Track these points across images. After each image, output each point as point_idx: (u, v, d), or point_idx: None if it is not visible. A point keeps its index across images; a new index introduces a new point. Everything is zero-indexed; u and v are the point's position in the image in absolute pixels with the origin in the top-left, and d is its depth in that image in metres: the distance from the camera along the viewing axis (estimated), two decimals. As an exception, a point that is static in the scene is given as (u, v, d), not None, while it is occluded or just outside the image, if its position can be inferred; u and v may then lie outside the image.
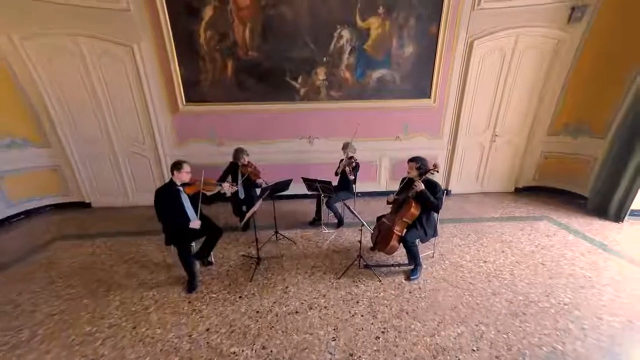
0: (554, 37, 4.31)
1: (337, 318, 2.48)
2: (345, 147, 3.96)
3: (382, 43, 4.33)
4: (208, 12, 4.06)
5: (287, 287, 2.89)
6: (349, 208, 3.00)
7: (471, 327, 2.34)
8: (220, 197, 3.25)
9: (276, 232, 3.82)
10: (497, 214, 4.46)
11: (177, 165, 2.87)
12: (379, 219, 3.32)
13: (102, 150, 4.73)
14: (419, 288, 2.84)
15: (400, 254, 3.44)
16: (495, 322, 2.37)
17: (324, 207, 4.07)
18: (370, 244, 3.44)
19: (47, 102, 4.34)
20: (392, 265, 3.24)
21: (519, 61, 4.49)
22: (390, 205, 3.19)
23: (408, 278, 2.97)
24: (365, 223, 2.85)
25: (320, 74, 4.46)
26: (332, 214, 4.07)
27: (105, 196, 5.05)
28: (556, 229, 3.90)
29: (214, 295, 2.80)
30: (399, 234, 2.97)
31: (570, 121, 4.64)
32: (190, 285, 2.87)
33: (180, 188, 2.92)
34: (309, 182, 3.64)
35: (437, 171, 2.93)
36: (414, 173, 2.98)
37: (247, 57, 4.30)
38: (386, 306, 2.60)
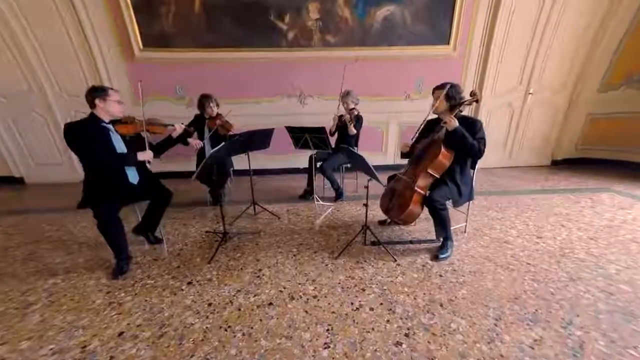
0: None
1: (333, 313, 1.57)
2: (345, 95, 3.06)
3: (389, -30, 3.45)
4: None
5: (260, 270, 1.98)
6: (349, 154, 2.09)
7: (555, 329, 1.42)
8: (172, 143, 2.29)
9: (254, 204, 2.90)
10: (538, 186, 3.55)
11: (98, 91, 1.92)
12: (390, 178, 2.42)
13: (32, 108, 3.79)
14: (454, 270, 1.93)
15: (420, 229, 2.53)
16: (596, 323, 1.46)
17: (318, 181, 3.16)
18: (378, 218, 2.53)
19: None
20: (410, 242, 2.33)
21: (563, 8, 3.60)
22: (407, 160, 2.30)
23: (435, 257, 2.06)
24: (377, 176, 1.93)
25: (313, 11, 3.57)
26: (329, 183, 3.16)
27: (43, 169, 4.11)
28: (631, 201, 2.98)
29: (149, 282, 1.88)
30: (422, 192, 2.06)
31: (636, 71, 3.69)
32: (116, 268, 1.95)
33: (109, 126, 1.99)
34: (296, 134, 2.72)
35: (477, 100, 2.03)
36: (441, 106, 2.08)
37: (220, -13, 3.41)
38: (408, 295, 1.69)
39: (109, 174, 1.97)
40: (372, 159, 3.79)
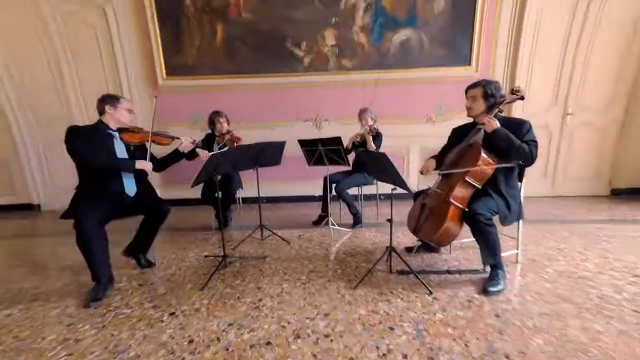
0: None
1: (351, 359, 1.14)
2: (363, 111, 2.87)
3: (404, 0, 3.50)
4: (195, -32, 3.47)
5: (260, 300, 1.59)
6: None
7: None
8: (177, 157, 2.14)
9: (261, 227, 2.59)
10: (603, 216, 3.00)
11: (110, 98, 1.87)
12: (417, 195, 2.07)
13: (61, 136, 3.90)
14: (514, 309, 1.45)
15: (458, 257, 2.08)
16: None
17: (334, 207, 2.84)
18: (405, 244, 2.12)
19: (1, 93, 3.70)
20: (447, 271, 1.88)
21: (602, 7, 3.39)
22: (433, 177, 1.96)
23: (485, 290, 1.59)
24: (404, 181, 1.61)
25: (329, 38, 3.61)
26: (346, 207, 2.83)
27: (61, 197, 4.07)
28: None
29: (125, 311, 1.54)
30: (460, 206, 1.68)
31: None
32: (91, 294, 1.64)
33: (115, 133, 1.88)
34: (309, 147, 2.49)
35: (522, 97, 1.73)
36: (478, 107, 1.80)
37: (240, 19, 3.57)
38: (454, 340, 1.23)
39: (105, 181, 1.80)
40: (389, 187, 3.38)
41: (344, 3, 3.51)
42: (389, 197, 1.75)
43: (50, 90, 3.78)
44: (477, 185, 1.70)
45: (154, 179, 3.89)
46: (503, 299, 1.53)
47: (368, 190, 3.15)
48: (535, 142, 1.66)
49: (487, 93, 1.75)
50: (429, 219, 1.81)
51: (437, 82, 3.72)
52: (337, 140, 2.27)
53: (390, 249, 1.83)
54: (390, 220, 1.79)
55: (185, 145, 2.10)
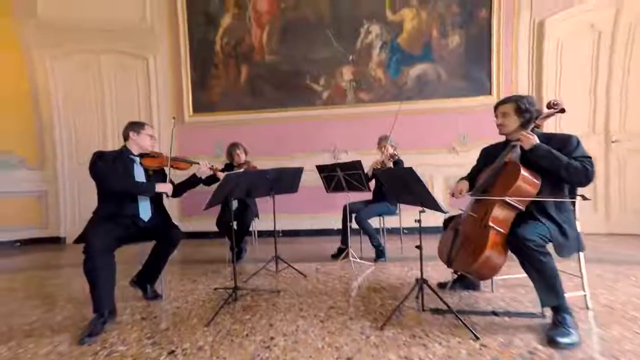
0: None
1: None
2: (383, 139, 2.81)
3: (419, 35, 3.64)
4: (226, 20, 3.86)
5: (272, 339, 1.37)
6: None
7: None
8: (194, 183, 2.12)
9: (276, 259, 2.41)
10: None
11: (135, 125, 1.94)
12: (447, 222, 1.86)
13: None
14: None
15: (504, 297, 1.77)
16: None
17: (355, 240, 2.65)
18: (437, 279, 1.86)
19: (56, 121, 4.06)
20: (494, 313, 1.58)
21: (632, 38, 3.28)
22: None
23: (553, 340, 1.26)
24: (436, 201, 1.45)
25: (346, 74, 3.75)
26: (368, 240, 2.62)
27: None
28: None
29: (120, 348, 1.37)
30: (502, 230, 1.46)
31: None
32: (89, 328, 1.49)
33: (136, 158, 1.91)
34: (327, 173, 2.39)
35: (562, 109, 1.58)
36: (510, 124, 1.65)
37: (264, 61, 3.83)
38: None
39: (121, 203, 1.78)
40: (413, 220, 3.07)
41: (360, 42, 3.70)
42: (415, 230, 1.55)
43: (93, 129, 4.08)
44: (519, 207, 1.48)
45: (171, 210, 3.93)
46: (583, 357, 1.20)
47: (390, 222, 2.95)
48: (589, 157, 1.45)
49: (520, 108, 1.61)
50: (464, 247, 1.57)
51: (457, 112, 3.66)
52: (357, 164, 2.18)
53: (421, 282, 1.58)
54: (419, 247, 1.58)
55: (203, 170, 2.08)
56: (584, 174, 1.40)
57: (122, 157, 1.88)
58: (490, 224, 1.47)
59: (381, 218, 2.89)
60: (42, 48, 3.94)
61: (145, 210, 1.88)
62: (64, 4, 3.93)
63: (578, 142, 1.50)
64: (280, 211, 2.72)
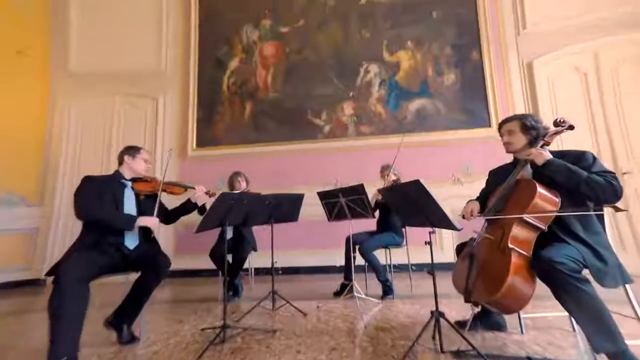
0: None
1: None
2: (385, 168, 2.76)
3: (415, 74, 3.83)
4: (234, 64, 4.12)
5: (261, 387, 1.14)
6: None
7: None
8: (189, 210, 2.01)
9: (273, 294, 2.17)
10: None
11: (130, 149, 1.92)
12: (459, 248, 1.70)
13: None
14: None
15: (539, 340, 1.53)
16: None
17: (360, 277, 2.45)
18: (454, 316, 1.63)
19: (61, 162, 4.10)
20: (529, 359, 1.33)
21: (617, 82, 3.40)
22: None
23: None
24: (444, 212, 1.32)
25: (347, 109, 3.86)
26: (373, 271, 2.40)
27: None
28: None
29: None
30: (525, 252, 1.30)
31: None
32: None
33: (128, 182, 1.84)
34: (329, 199, 2.28)
35: (571, 126, 1.51)
36: (517, 142, 1.59)
37: (267, 98, 3.99)
38: None
39: (104, 230, 1.65)
40: (423, 255, 2.82)
41: (360, 80, 3.88)
42: (425, 267, 1.40)
43: (96, 166, 4.09)
44: (540, 225, 1.34)
45: (164, 246, 3.72)
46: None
47: (397, 258, 2.75)
48: (611, 172, 1.34)
49: (526, 125, 1.57)
50: (483, 274, 1.39)
51: (459, 144, 3.66)
52: (359, 188, 2.08)
53: (437, 315, 1.37)
54: (431, 273, 1.40)
55: (199, 195, 1.98)
56: (610, 188, 1.27)
57: (113, 181, 1.81)
58: (510, 245, 1.32)
59: (387, 252, 2.70)
60: (67, 96, 4.17)
61: (131, 238, 1.74)
62: (93, 57, 4.27)
63: (594, 158, 1.41)
64: (278, 247, 2.54)
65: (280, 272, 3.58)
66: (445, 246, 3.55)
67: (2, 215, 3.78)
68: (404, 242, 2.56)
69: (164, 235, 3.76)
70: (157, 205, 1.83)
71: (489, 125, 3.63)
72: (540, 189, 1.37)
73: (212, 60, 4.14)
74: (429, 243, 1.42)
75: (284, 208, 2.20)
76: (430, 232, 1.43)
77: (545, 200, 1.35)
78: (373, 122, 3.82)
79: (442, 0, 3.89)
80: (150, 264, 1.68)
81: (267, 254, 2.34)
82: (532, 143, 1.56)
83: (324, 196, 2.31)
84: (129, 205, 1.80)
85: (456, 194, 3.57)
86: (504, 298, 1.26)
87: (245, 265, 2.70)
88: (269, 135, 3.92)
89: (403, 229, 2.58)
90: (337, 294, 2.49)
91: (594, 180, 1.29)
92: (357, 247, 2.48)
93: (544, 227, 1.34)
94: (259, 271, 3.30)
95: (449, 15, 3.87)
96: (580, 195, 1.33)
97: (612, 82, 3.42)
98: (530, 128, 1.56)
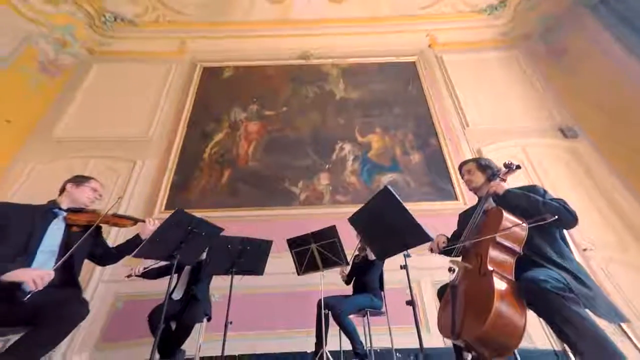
0: (566, 148, 4.15)
1: None
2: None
3: (385, 152, 4.26)
4: (219, 136, 4.44)
5: None
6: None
7: None
8: (133, 246, 1.71)
9: (223, 357, 1.69)
10: None
11: (78, 177, 1.76)
12: (441, 293, 1.56)
13: None
14: None
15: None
16: None
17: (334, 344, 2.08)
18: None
19: None
20: None
21: (546, 170, 3.99)
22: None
23: None
24: (417, 222, 1.25)
25: (323, 179, 4.04)
26: (349, 341, 2.01)
27: None
28: None
29: None
30: (506, 275, 1.21)
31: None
32: None
33: (63, 212, 1.61)
34: (298, 247, 2.09)
35: (518, 165, 1.68)
36: (477, 179, 1.73)
37: (246, 166, 4.15)
38: None
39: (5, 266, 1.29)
40: (406, 339, 2.48)
41: (335, 155, 4.23)
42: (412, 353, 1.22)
43: None
44: (514, 248, 1.30)
45: (91, 334, 2.98)
46: None
47: (379, 340, 2.36)
48: (562, 199, 1.43)
49: (481, 164, 1.74)
50: (468, 306, 1.23)
51: (433, 215, 3.76)
52: (331, 230, 1.97)
53: (421, 354, 1.10)
54: (411, 303, 1.21)
55: (149, 230, 1.67)
56: (566, 211, 1.34)
57: (40, 210, 1.54)
58: (490, 267, 1.23)
59: (367, 331, 2.31)
60: (34, 157, 4.08)
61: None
62: (82, 124, 4.47)
63: (544, 190, 1.53)
64: (236, 330, 2.11)
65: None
66: (432, 329, 3.13)
67: None
68: (384, 307, 2.26)
69: (95, 308, 3.08)
70: (83, 238, 1.50)
71: (456, 199, 3.87)
72: (506, 214, 1.39)
73: (199, 133, 4.45)
74: (405, 267, 1.28)
75: (249, 255, 1.99)
76: (405, 256, 1.31)
77: (512, 222, 1.35)
78: (348, 191, 3.95)
79: (401, 100, 4.76)
80: (53, 313, 1.25)
81: (218, 337, 1.88)
82: (490, 179, 1.67)
83: (293, 243, 2.14)
84: (51, 239, 1.49)
85: (437, 265, 3.41)
86: (494, 328, 1.09)
87: (190, 354, 2.16)
88: (244, 200, 3.87)
89: (382, 292, 2.33)
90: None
91: (551, 203, 1.37)
92: (329, 312, 2.15)
93: (518, 250, 1.30)
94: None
95: (408, 112, 4.66)
96: (540, 214, 1.35)
97: (542, 173, 3.96)
98: (485, 167, 1.71)
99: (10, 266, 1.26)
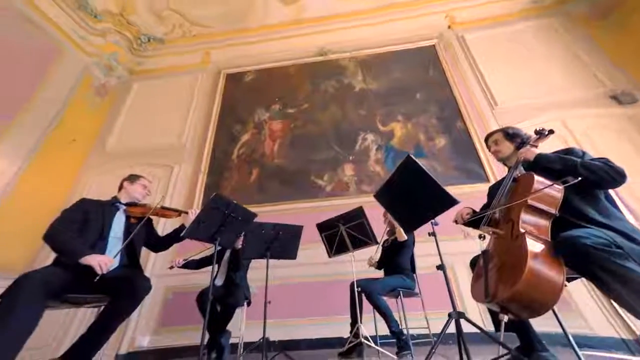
0: (621, 116, 3.79)
1: None
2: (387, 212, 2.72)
3: (409, 139, 4.22)
4: (245, 137, 4.66)
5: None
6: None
7: None
8: (179, 234, 1.94)
9: (264, 341, 1.81)
10: None
11: (132, 176, 2.04)
12: (473, 263, 1.55)
13: None
14: None
15: None
16: None
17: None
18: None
19: None
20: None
21: (595, 142, 3.68)
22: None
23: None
24: (442, 187, 1.27)
25: (348, 170, 4.09)
26: (385, 323, 2.04)
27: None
28: None
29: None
30: (541, 235, 1.18)
31: None
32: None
33: (122, 206, 1.88)
34: (328, 231, 2.17)
35: (551, 130, 1.60)
36: (505, 150, 1.69)
37: (273, 163, 4.31)
38: None
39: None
40: (440, 321, 2.45)
41: (358, 146, 4.26)
42: (450, 339, 1.20)
43: None
44: (549, 210, 1.26)
45: (148, 319, 3.32)
46: None
47: (414, 321, 2.35)
48: (605, 158, 1.34)
49: (508, 133, 1.69)
50: (501, 268, 1.23)
51: (463, 199, 3.65)
52: (358, 211, 2.02)
53: (457, 316, 1.12)
54: (441, 267, 1.23)
55: (191, 219, 1.92)
56: (612, 169, 1.26)
57: (106, 204, 1.84)
58: (522, 229, 1.21)
59: (402, 313, 2.31)
60: (93, 172, 4.59)
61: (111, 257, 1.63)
62: (128, 138, 4.94)
63: (583, 151, 1.46)
64: (273, 317, 2.25)
65: (278, 349, 3.02)
66: (466, 303, 3.04)
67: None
68: (417, 288, 2.26)
69: (149, 304, 3.41)
70: (139, 225, 1.77)
71: (487, 180, 3.72)
72: (538, 177, 1.35)
73: (227, 136, 4.71)
74: (433, 234, 1.30)
75: (282, 241, 2.10)
76: (432, 224, 1.33)
77: (544, 184, 1.31)
78: (373, 180, 3.96)
79: (422, 85, 4.66)
80: (125, 286, 1.51)
81: (259, 324, 2.03)
82: (519, 148, 1.63)
83: (323, 227, 2.22)
84: (117, 228, 1.79)
85: (470, 250, 3.32)
86: (528, 286, 1.08)
87: (234, 340, 2.33)
88: (273, 196, 4.04)
89: (414, 274, 2.33)
90: (344, 354, 2.04)
91: (591, 163, 1.30)
92: (363, 295, 2.20)
93: (553, 211, 1.26)
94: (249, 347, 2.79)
95: (430, 96, 4.56)
96: (585, 181, 1.28)
97: (588, 147, 3.65)
98: (513, 135, 1.66)
99: (88, 251, 1.50)
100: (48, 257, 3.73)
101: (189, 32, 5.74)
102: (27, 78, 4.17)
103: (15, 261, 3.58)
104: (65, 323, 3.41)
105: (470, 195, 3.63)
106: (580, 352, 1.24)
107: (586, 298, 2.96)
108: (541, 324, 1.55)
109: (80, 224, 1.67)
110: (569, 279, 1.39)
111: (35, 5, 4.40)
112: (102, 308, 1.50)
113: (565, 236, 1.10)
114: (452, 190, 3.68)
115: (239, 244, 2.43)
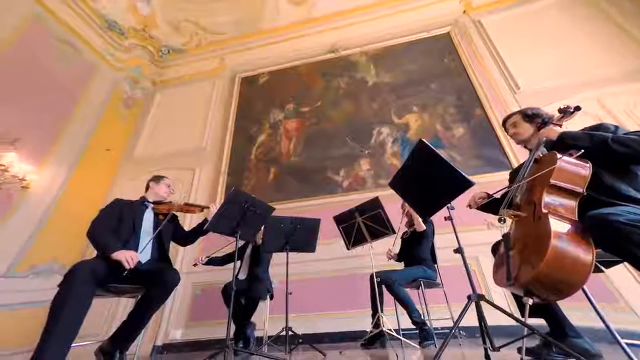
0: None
1: None
2: (404, 203, 2.70)
3: (425, 131, 4.13)
4: (262, 138, 4.77)
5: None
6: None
7: None
8: (202, 228, 2.05)
9: (287, 331, 1.86)
10: None
11: (156, 177, 2.17)
12: (495, 248, 1.51)
13: None
14: None
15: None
16: None
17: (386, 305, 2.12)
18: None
19: None
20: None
21: (634, 114, 3.46)
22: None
23: None
24: (458, 170, 1.25)
25: (364, 165, 4.07)
26: (406, 312, 2.03)
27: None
28: None
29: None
30: (566, 214, 1.14)
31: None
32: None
33: (150, 204, 2.01)
34: (345, 223, 2.18)
35: (578, 107, 1.51)
36: (524, 132, 1.63)
37: (290, 162, 4.38)
38: None
39: (122, 244, 1.71)
40: (471, 317, 2.40)
41: (374, 140, 4.22)
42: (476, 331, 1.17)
43: None
44: (575, 189, 1.20)
45: (179, 312, 3.50)
46: None
47: (437, 311, 2.32)
48: (637, 131, 1.26)
49: (527, 114, 1.62)
50: (525, 250, 1.18)
51: (482, 188, 3.52)
52: (374, 202, 2.02)
53: (476, 298, 1.10)
54: (459, 250, 1.21)
55: (214, 213, 2.04)
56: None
57: (136, 204, 2.00)
58: (544, 210, 1.17)
59: (424, 304, 2.28)
60: (124, 177, 4.91)
61: (143, 252, 1.76)
62: (153, 145, 5.22)
63: (616, 126, 1.37)
64: (294, 311, 2.30)
65: (300, 340, 3.08)
66: (491, 288, 2.93)
67: (43, 285, 3.89)
68: (438, 277, 2.22)
69: (179, 297, 3.60)
70: (165, 220, 1.89)
71: (511, 168, 3.57)
72: (560, 154, 1.29)
73: (245, 137, 4.84)
74: (449, 218, 1.28)
75: (300, 234, 2.14)
76: (449, 208, 1.31)
77: (570, 162, 1.26)
78: (390, 174, 3.89)
79: (437, 74, 4.55)
80: (157, 277, 1.63)
81: (282, 318, 2.09)
82: (541, 129, 1.56)
83: (340, 220, 2.24)
84: (147, 225, 1.94)
85: (493, 240, 3.22)
86: (553, 268, 1.04)
87: (260, 333, 2.41)
88: (291, 193, 4.10)
89: (435, 264, 2.29)
90: (366, 344, 2.05)
91: (624, 136, 1.22)
92: (383, 286, 2.19)
93: (580, 190, 1.20)
94: (272, 340, 2.86)
95: (446, 85, 4.43)
96: (616, 157, 1.20)
97: (630, 125, 3.40)
98: (532, 116, 1.60)
99: (118, 246, 1.65)
100: (94, 251, 4.09)
101: (205, 40, 5.96)
102: (67, 96, 4.58)
103: (73, 259, 3.94)
104: (110, 314, 3.68)
105: (493, 183, 3.50)
106: (629, 349, 1.16)
107: (636, 291, 2.77)
108: (584, 319, 1.48)
109: (115, 222, 1.82)
110: (608, 264, 1.32)
111: (72, 29, 4.85)
112: (138, 297, 1.63)
113: (593, 214, 1.05)
114: (474, 179, 3.59)
115: (260, 239, 2.51)
